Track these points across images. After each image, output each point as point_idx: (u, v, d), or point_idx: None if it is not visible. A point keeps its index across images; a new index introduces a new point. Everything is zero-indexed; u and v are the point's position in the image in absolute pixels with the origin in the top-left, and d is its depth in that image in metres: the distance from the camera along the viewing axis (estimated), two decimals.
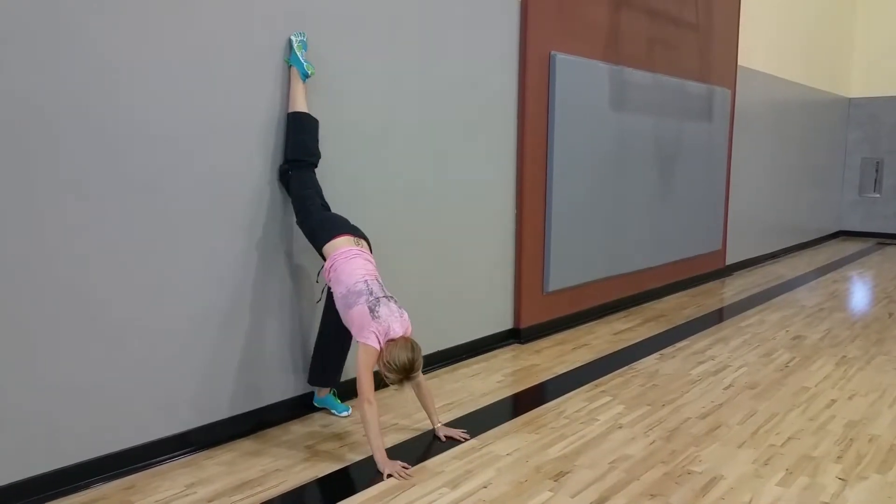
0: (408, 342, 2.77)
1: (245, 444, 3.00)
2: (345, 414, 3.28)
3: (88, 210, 2.55)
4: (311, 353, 3.27)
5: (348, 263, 2.89)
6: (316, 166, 3.15)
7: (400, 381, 2.77)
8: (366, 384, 2.71)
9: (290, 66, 3.10)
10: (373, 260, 2.99)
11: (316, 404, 3.35)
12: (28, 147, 2.39)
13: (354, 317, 2.80)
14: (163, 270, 2.78)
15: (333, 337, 3.11)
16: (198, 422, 2.94)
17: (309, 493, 2.63)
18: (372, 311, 2.76)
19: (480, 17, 4.15)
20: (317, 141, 3.15)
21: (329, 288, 3.03)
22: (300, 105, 3.09)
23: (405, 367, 2.73)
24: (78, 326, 2.56)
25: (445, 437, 3.06)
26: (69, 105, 2.47)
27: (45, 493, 2.50)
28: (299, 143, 3.08)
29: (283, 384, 3.26)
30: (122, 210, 2.64)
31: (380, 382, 2.80)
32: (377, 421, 2.74)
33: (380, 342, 2.74)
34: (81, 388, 2.58)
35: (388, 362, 2.72)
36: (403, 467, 2.73)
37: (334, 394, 3.33)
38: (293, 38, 3.09)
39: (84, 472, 2.60)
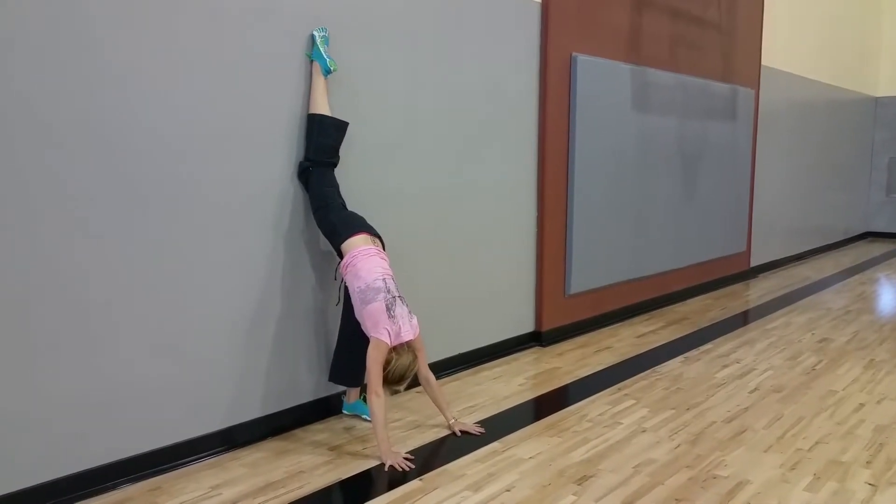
0: (410, 355, 2.91)
1: (270, 446, 3.02)
2: None
3: (116, 217, 2.58)
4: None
5: (368, 261, 2.96)
6: (335, 166, 3.18)
7: (389, 389, 2.94)
8: (374, 377, 2.83)
9: (311, 61, 3.12)
10: (387, 258, 3.06)
11: (345, 411, 3.37)
12: (43, 154, 2.43)
13: (371, 312, 2.89)
14: (188, 273, 2.80)
15: (354, 334, 3.13)
16: (224, 423, 2.96)
17: (332, 495, 2.64)
18: (389, 309, 2.88)
19: (501, 19, 4.14)
20: (339, 143, 3.18)
21: (345, 286, 3.08)
22: (321, 106, 3.11)
23: (398, 379, 2.90)
24: (106, 329, 2.59)
25: (460, 431, 3.13)
26: (81, 111, 2.50)
27: (72, 494, 2.53)
28: (320, 145, 3.12)
29: (308, 386, 3.28)
30: (150, 215, 2.67)
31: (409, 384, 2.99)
32: (384, 413, 2.84)
33: (391, 340, 2.86)
34: (108, 390, 2.62)
35: (386, 372, 2.87)
36: (405, 458, 2.82)
37: (363, 399, 3.33)
38: (316, 33, 3.11)
39: (111, 473, 2.63)
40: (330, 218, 3.08)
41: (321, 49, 3.09)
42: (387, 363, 2.86)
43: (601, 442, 3.06)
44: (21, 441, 2.42)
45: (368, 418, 3.24)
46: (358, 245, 3.00)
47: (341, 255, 3.04)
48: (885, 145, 10.26)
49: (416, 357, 2.94)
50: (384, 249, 3.11)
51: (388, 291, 2.92)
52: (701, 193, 6.08)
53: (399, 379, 2.89)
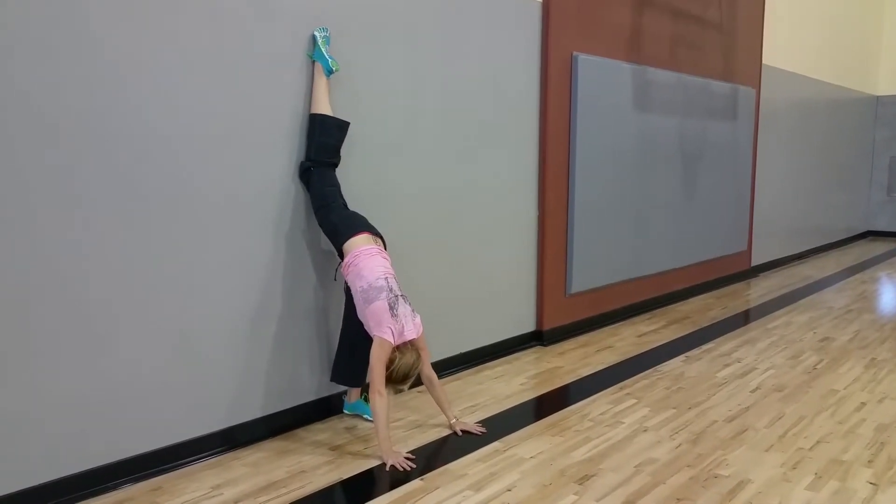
0: (414, 354, 2.90)
1: (271, 446, 3.02)
2: None
3: (116, 217, 2.58)
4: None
5: (370, 260, 2.97)
6: (336, 166, 3.18)
7: (393, 388, 2.93)
8: (377, 376, 2.82)
9: (313, 62, 3.12)
10: (389, 258, 3.06)
11: (346, 411, 3.37)
12: (43, 154, 2.43)
13: (374, 312, 2.89)
14: (188, 273, 2.80)
15: (356, 334, 3.13)
16: (225, 423, 2.96)
17: (334, 494, 2.63)
18: (391, 308, 2.87)
19: (502, 19, 4.14)
20: (341, 143, 3.18)
21: (347, 286, 3.09)
22: (323, 106, 3.11)
23: (402, 378, 2.88)
24: (106, 329, 2.59)
25: (462, 431, 3.13)
26: (81, 111, 2.50)
27: (73, 494, 2.53)
28: (322, 145, 3.12)
29: (309, 386, 3.28)
30: (150, 215, 2.67)
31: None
32: (386, 413, 2.84)
33: (394, 338, 2.85)
34: (109, 390, 2.61)
35: (390, 371, 2.85)
36: (407, 458, 2.82)
37: (365, 399, 3.33)
38: (317, 33, 3.10)
39: (112, 473, 2.63)
40: (331, 218, 3.08)
41: (322, 49, 3.09)
42: (390, 362, 2.85)
43: (602, 441, 3.06)
44: (21, 441, 2.42)
45: (370, 418, 3.24)
46: (359, 245, 3.00)
47: (343, 255, 3.04)
48: (886, 144, 10.26)
49: (419, 356, 2.93)
50: (385, 249, 3.11)
51: (391, 290, 2.92)
52: (702, 192, 6.07)
53: (403, 378, 2.88)
